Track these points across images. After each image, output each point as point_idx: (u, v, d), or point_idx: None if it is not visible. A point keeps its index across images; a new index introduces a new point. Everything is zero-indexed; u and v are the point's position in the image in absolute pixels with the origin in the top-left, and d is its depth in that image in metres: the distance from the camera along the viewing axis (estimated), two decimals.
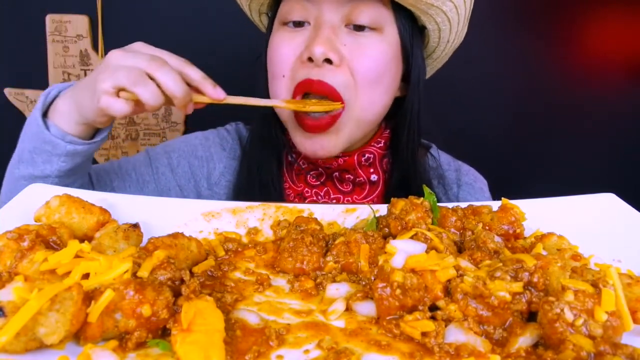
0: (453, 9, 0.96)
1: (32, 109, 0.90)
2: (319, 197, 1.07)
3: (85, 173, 0.99)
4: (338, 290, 0.62)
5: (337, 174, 1.06)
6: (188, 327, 0.48)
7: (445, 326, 0.54)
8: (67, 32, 2.03)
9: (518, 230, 0.72)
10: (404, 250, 0.61)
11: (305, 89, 0.92)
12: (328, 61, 0.90)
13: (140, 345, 0.50)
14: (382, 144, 1.08)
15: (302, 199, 1.07)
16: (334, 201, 1.07)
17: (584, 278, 0.57)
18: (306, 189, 1.08)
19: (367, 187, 1.08)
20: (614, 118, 2.27)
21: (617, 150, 2.31)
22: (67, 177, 0.92)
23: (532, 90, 2.23)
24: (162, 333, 0.52)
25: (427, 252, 0.62)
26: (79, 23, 2.02)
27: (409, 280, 0.55)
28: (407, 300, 0.55)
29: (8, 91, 2.11)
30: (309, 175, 1.08)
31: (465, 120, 2.09)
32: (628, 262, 0.67)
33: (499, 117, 2.26)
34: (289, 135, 1.04)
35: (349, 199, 1.07)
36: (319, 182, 1.08)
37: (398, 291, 0.55)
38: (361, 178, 1.07)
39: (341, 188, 1.08)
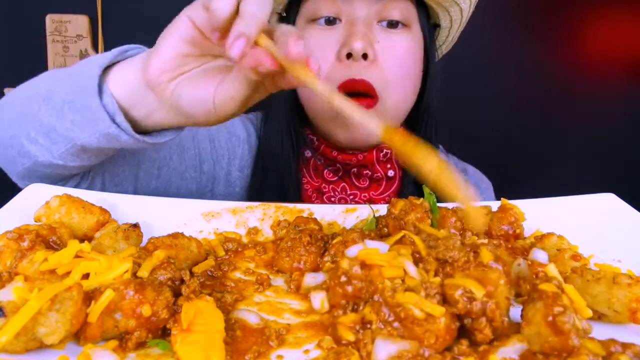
0: (467, 7, 1.00)
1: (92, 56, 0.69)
2: (336, 193, 1.08)
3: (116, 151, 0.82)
4: (315, 279, 0.63)
5: (355, 169, 1.07)
6: (188, 327, 0.48)
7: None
8: (67, 32, 2.03)
9: (518, 231, 0.72)
10: (368, 247, 0.60)
11: (349, 89, 0.92)
12: (364, 57, 0.91)
13: (140, 345, 0.50)
14: None
15: (320, 194, 1.08)
16: (351, 197, 1.08)
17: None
18: (323, 184, 1.08)
19: (384, 183, 1.09)
20: (614, 118, 2.27)
21: (617, 150, 2.31)
22: (93, 153, 0.75)
23: (532, 91, 2.23)
24: (162, 333, 0.52)
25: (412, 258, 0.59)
26: (79, 23, 2.03)
27: (353, 269, 0.54)
28: (348, 290, 0.54)
29: (8, 91, 2.11)
30: (326, 171, 1.08)
31: (465, 121, 2.09)
32: (628, 262, 0.67)
33: (498, 118, 2.26)
34: (308, 130, 1.06)
35: (366, 194, 1.08)
36: (336, 178, 1.08)
37: (343, 278, 0.54)
38: (379, 174, 1.07)
39: (358, 184, 1.08)
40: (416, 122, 1.08)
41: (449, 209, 0.74)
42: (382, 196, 1.09)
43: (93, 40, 2.02)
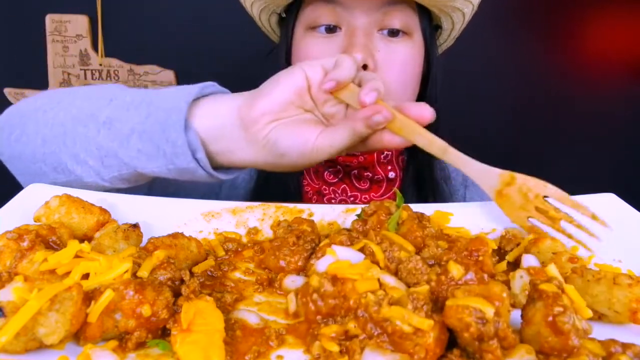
0: (470, 11, 1.00)
1: (177, 86, 0.72)
2: (337, 195, 1.08)
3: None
4: (294, 282, 0.63)
5: (355, 171, 1.07)
6: (188, 327, 0.48)
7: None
8: (67, 32, 2.03)
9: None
10: (338, 257, 0.58)
11: None
12: (364, 67, 0.91)
13: (140, 345, 0.50)
14: None
15: (320, 196, 1.08)
16: (351, 198, 1.08)
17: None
18: (324, 186, 1.08)
19: (385, 184, 1.09)
20: (614, 118, 2.27)
21: (617, 150, 2.31)
22: (145, 179, 0.77)
23: (532, 91, 2.23)
24: (162, 333, 0.52)
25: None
26: (78, 23, 2.03)
27: (323, 288, 0.52)
28: (322, 307, 0.52)
29: (8, 91, 2.11)
30: (326, 173, 1.08)
31: (465, 120, 2.09)
32: (628, 262, 0.67)
33: (499, 117, 2.26)
34: None
35: (366, 196, 1.08)
36: (336, 179, 1.08)
37: (314, 296, 0.52)
38: (379, 175, 1.07)
39: (358, 186, 1.08)
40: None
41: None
42: (382, 198, 1.09)
43: (93, 40, 2.02)
